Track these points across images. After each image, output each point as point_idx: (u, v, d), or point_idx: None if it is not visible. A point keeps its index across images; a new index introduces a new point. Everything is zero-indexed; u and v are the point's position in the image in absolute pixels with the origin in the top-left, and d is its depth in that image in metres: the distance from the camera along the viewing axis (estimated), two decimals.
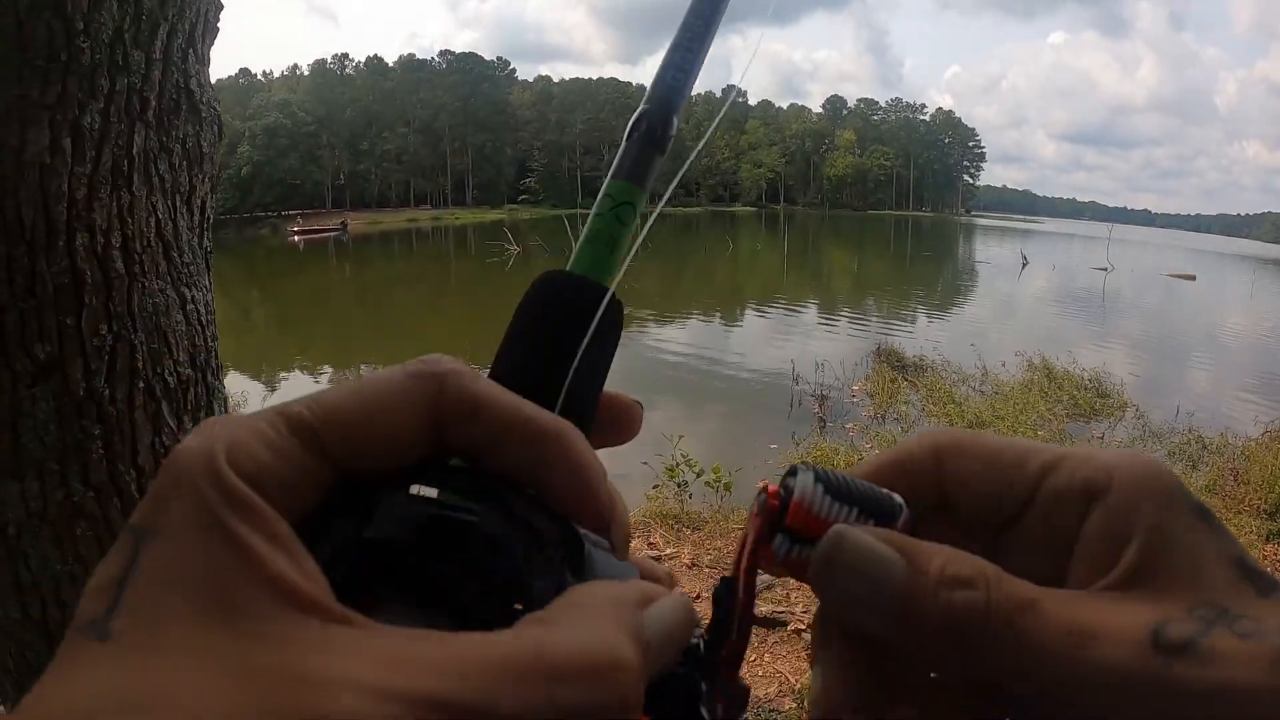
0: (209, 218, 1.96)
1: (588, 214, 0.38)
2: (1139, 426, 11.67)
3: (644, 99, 0.45)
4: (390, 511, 0.29)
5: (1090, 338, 21.11)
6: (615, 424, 0.45)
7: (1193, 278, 47.01)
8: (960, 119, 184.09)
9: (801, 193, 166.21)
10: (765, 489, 0.38)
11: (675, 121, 0.45)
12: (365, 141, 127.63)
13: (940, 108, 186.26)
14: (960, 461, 0.40)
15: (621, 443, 0.46)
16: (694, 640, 0.37)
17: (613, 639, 0.28)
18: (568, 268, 0.41)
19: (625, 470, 9.28)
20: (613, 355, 0.42)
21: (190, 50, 1.83)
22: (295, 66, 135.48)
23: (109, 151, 1.69)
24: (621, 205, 0.42)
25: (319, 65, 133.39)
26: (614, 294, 0.41)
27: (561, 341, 0.39)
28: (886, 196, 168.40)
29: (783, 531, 0.37)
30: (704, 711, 0.36)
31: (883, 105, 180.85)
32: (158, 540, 0.26)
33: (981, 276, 43.94)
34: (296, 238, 75.89)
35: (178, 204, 1.83)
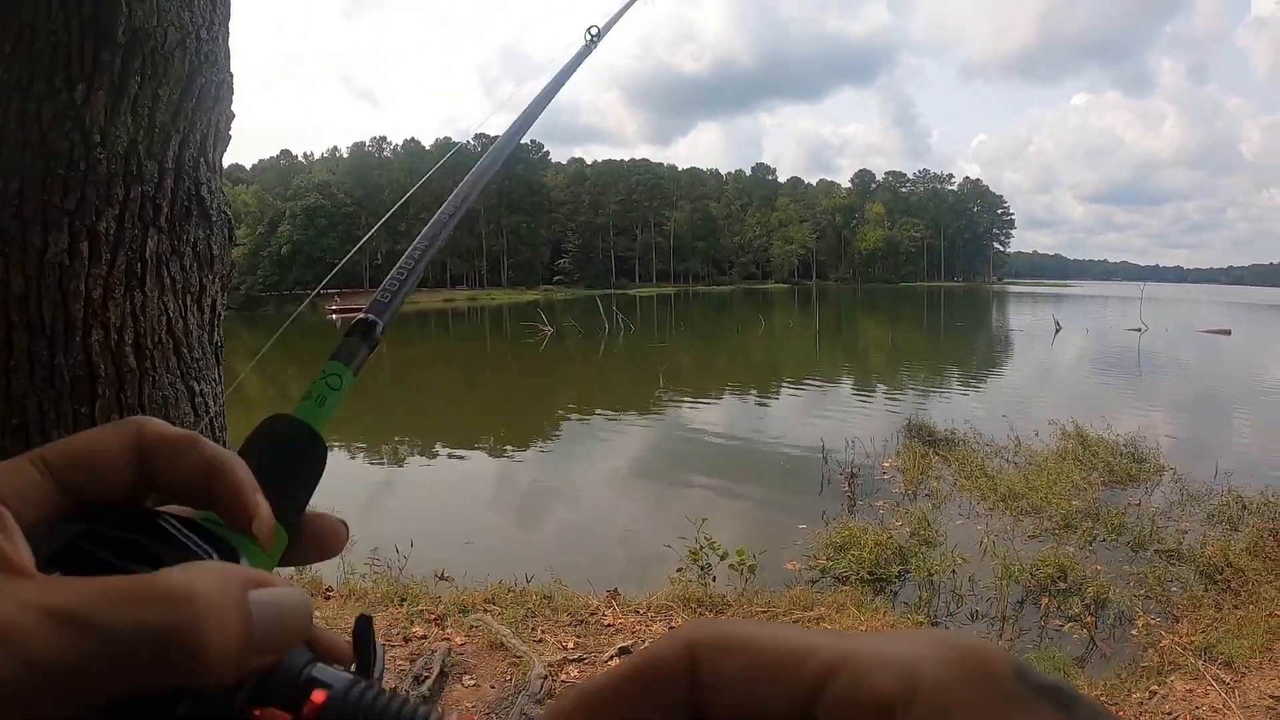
0: (219, 315, 2.07)
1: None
2: (1176, 490, 11.51)
3: (366, 309, 0.62)
4: (58, 530, 0.38)
5: (1126, 401, 20.94)
6: (320, 539, 0.50)
7: (1228, 332, 46.56)
8: (987, 187, 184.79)
9: (833, 267, 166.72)
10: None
11: (380, 326, 0.61)
12: (403, 223, 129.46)
13: (968, 176, 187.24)
14: (720, 667, 0.31)
15: (329, 556, 0.51)
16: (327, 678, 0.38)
17: (197, 581, 0.33)
18: (291, 412, 0.53)
19: (647, 551, 9.30)
20: (313, 480, 0.51)
21: (202, 159, 1.96)
22: (335, 149, 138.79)
23: (123, 254, 1.81)
24: (331, 376, 0.56)
25: (357, 147, 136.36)
26: (317, 432, 0.52)
27: (271, 459, 0.49)
28: (918, 268, 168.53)
29: None
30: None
31: (910, 177, 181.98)
32: None
33: (1015, 345, 43.72)
34: (334, 315, 76.84)
35: (188, 303, 1.94)
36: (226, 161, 2.12)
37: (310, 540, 0.50)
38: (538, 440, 17.87)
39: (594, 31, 1.41)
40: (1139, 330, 44.32)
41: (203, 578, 0.33)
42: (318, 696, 0.36)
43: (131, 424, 0.42)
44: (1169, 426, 16.83)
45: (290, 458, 0.51)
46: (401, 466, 15.71)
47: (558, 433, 18.86)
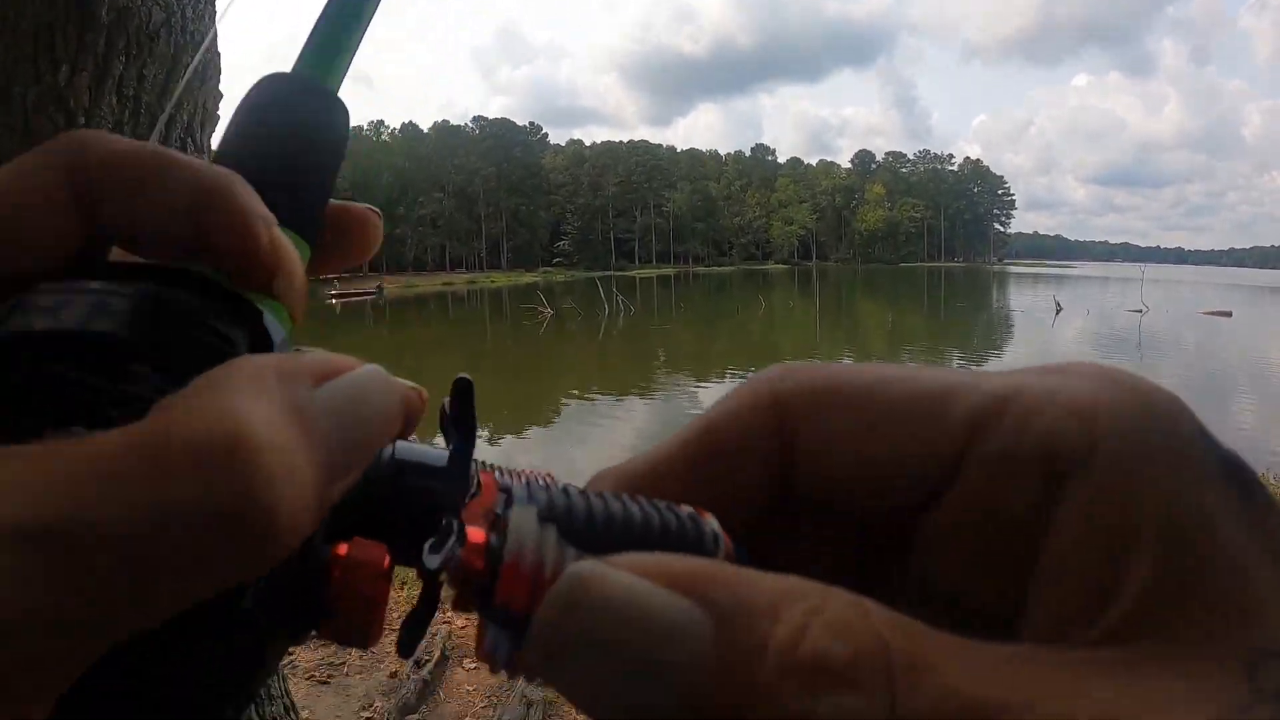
0: None
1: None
2: None
3: None
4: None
5: None
6: (349, 235, 0.38)
7: (1229, 314, 46.54)
8: (988, 167, 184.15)
9: (834, 248, 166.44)
10: (457, 531, 0.25)
11: None
12: (401, 206, 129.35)
13: (968, 157, 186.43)
14: (818, 421, 0.25)
15: (359, 259, 0.39)
16: (428, 459, 0.30)
17: (236, 410, 0.21)
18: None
19: None
20: (335, 161, 0.37)
21: (189, 139, 1.93)
22: None
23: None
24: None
25: (355, 131, 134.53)
26: (327, 89, 0.36)
27: (270, 140, 0.34)
28: (918, 249, 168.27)
29: (497, 622, 0.23)
30: (450, 522, 0.26)
31: (910, 157, 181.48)
32: None
33: (1016, 325, 43.72)
34: (334, 300, 76.88)
35: None
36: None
37: (336, 238, 0.37)
38: (539, 423, 17.87)
39: None
40: (1140, 311, 44.30)
41: (245, 404, 0.21)
42: (476, 535, 0.25)
43: (60, 142, 0.26)
44: None
45: (299, 136, 0.35)
46: None
47: (559, 415, 18.86)
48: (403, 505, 0.28)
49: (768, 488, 0.26)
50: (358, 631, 0.27)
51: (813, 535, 0.26)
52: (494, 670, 0.24)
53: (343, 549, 0.27)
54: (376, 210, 0.39)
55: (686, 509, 0.25)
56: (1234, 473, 0.22)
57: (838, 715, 0.18)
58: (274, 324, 0.28)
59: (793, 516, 0.26)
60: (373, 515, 0.28)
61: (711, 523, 0.24)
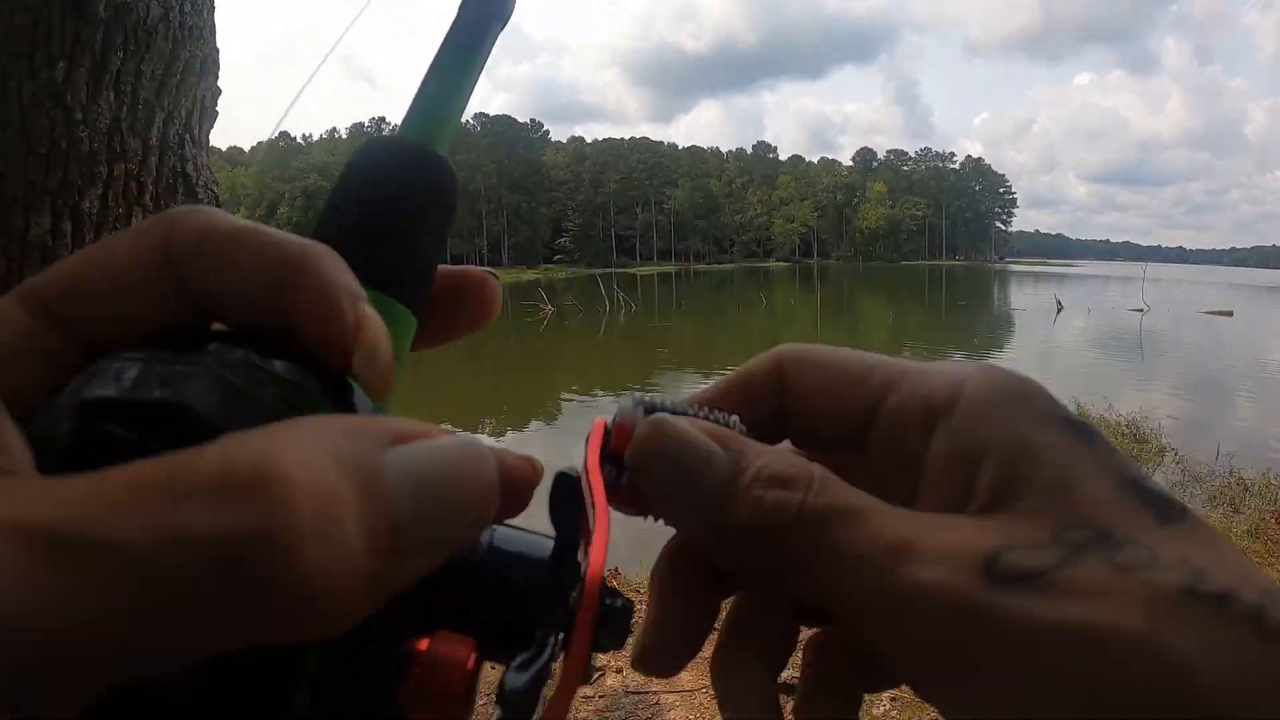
0: None
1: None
2: (1178, 471, 11.44)
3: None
4: (65, 398, 0.24)
5: (1128, 381, 20.87)
6: (465, 301, 0.38)
7: (1230, 313, 46.42)
8: (989, 166, 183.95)
9: (835, 246, 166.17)
10: (549, 649, 0.27)
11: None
12: None
13: (969, 155, 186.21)
14: (800, 377, 0.37)
15: (477, 326, 0.39)
16: (530, 551, 0.30)
17: (280, 451, 0.20)
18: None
19: (651, 531, 9.28)
20: (443, 229, 0.35)
21: (187, 135, 1.92)
22: (334, 130, 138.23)
23: (107, 234, 1.77)
24: (456, 60, 0.38)
25: (357, 128, 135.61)
26: (433, 152, 0.36)
27: (374, 207, 0.34)
28: (920, 247, 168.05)
29: (611, 461, 0.32)
30: (545, 634, 0.26)
31: (912, 155, 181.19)
32: None
33: (1017, 324, 43.56)
34: None
35: None
36: (225, 143, 2.09)
37: (452, 307, 0.37)
38: (540, 420, 17.82)
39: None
40: (1141, 310, 44.12)
41: (289, 445, 0.20)
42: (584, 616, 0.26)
43: (161, 218, 0.27)
44: (1171, 407, 16.75)
45: (405, 201, 0.34)
46: None
47: (560, 412, 18.81)
48: (496, 601, 0.27)
49: (772, 415, 0.37)
50: None
51: (804, 450, 0.37)
52: (609, 493, 0.32)
53: (424, 644, 0.26)
54: (494, 272, 0.39)
55: (722, 413, 0.34)
56: (1077, 426, 0.31)
57: (774, 501, 0.30)
58: (364, 399, 0.27)
59: (791, 436, 0.38)
60: (462, 608, 0.27)
61: (735, 418, 0.34)
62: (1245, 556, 0.27)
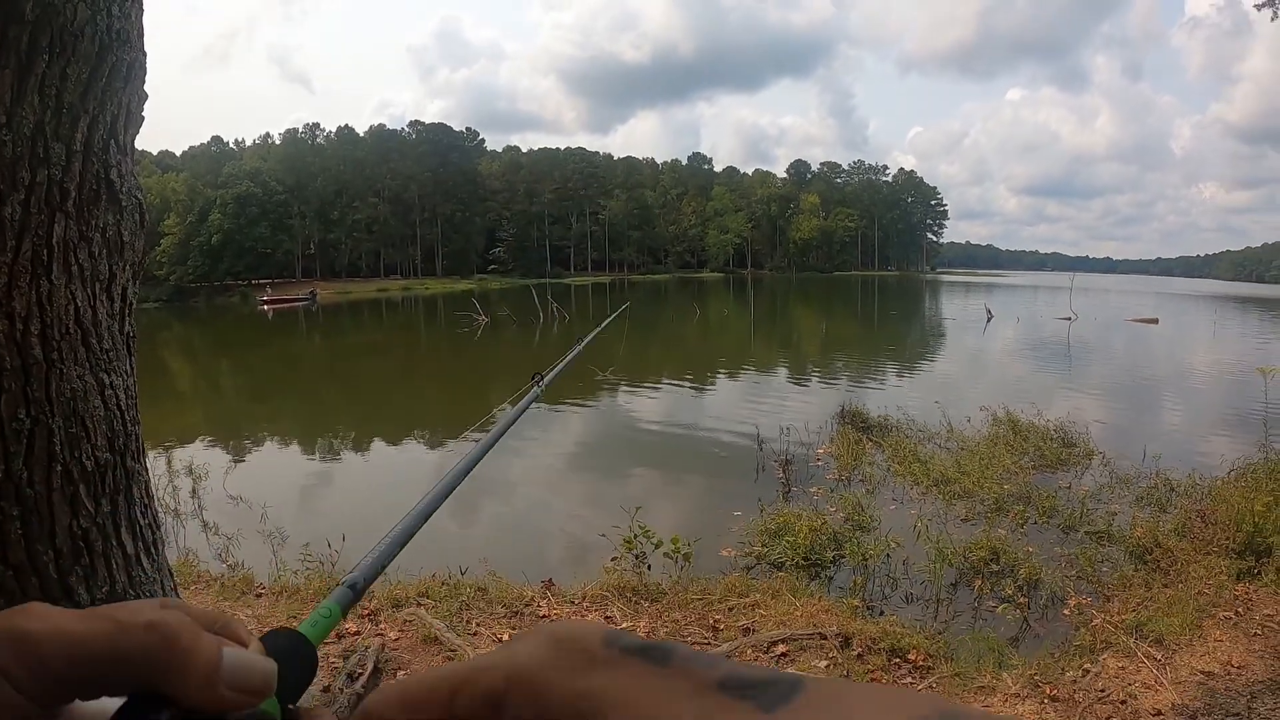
0: (131, 304, 1.99)
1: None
2: (1106, 473, 11.73)
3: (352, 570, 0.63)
4: None
5: (1056, 388, 21.37)
6: None
7: (1156, 321, 47.61)
8: (921, 178, 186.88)
9: (769, 257, 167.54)
10: None
11: (361, 584, 0.63)
12: (336, 211, 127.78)
13: (902, 168, 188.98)
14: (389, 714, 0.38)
15: None
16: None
17: (170, 617, 0.35)
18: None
19: (584, 542, 9.27)
20: (303, 688, 0.48)
21: (112, 141, 1.88)
22: (267, 135, 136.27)
23: (29, 241, 1.73)
24: (329, 614, 0.54)
25: (290, 134, 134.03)
26: (308, 639, 0.49)
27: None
28: (852, 258, 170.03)
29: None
30: None
31: (846, 167, 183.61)
32: None
33: (947, 333, 44.33)
34: (266, 307, 75.90)
35: (97, 291, 1.86)
36: (156, 148, 2.05)
37: None
38: (472, 429, 17.74)
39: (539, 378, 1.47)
40: (1069, 319, 45.01)
41: (176, 616, 0.35)
42: None
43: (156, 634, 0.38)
44: (1099, 412, 17.17)
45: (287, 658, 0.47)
46: (336, 459, 15.49)
47: (491, 422, 18.74)
48: None
49: None
50: None
51: None
52: None
53: None
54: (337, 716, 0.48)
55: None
56: (644, 650, 0.31)
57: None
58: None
59: None
60: None
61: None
62: (881, 700, 0.27)
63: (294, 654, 0.49)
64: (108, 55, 1.84)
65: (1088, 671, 5.37)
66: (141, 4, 1.95)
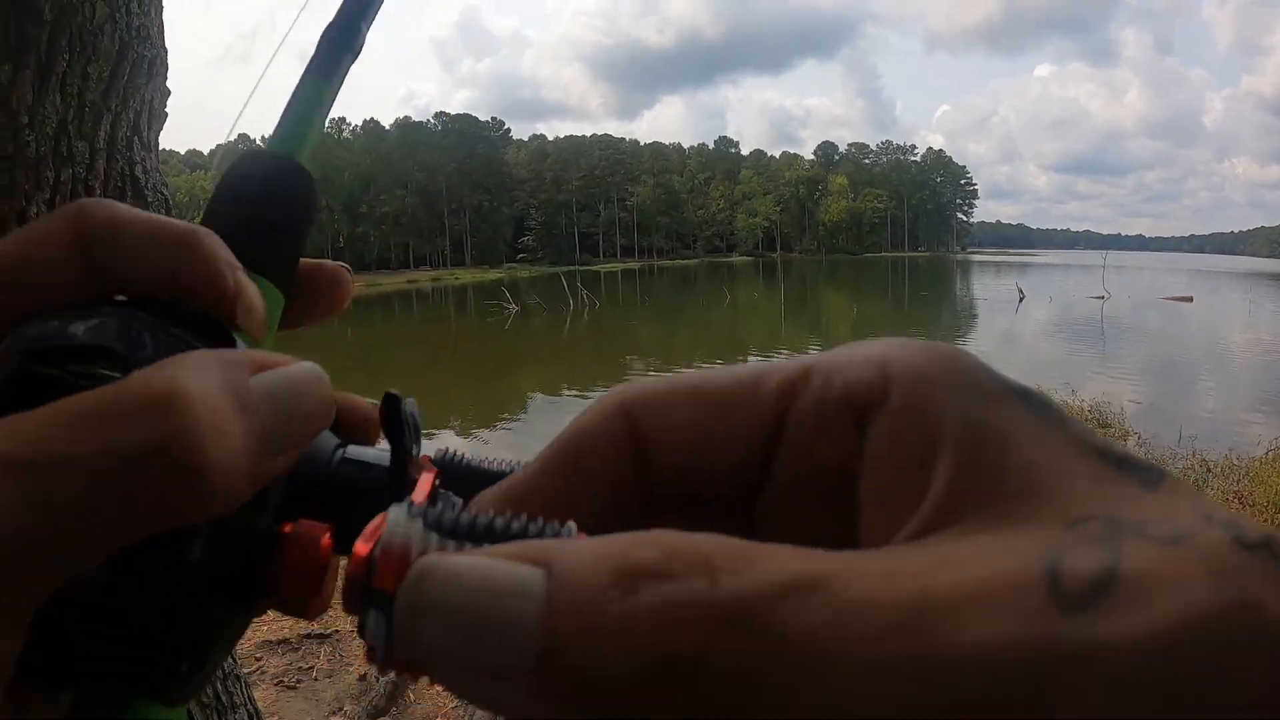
0: None
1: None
2: (1141, 454, 11.46)
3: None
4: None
5: (1090, 367, 21.13)
6: (321, 292, 0.44)
7: (1190, 299, 46.99)
8: (950, 158, 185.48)
9: (798, 239, 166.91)
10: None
11: (364, 28, 0.50)
12: (363, 204, 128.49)
13: (930, 147, 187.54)
14: (664, 420, 0.27)
15: (332, 311, 0.45)
16: (370, 458, 0.35)
17: (177, 377, 0.26)
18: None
19: None
20: (303, 225, 0.43)
21: (135, 137, 1.88)
22: None
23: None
24: (307, 96, 0.46)
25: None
26: (297, 163, 0.43)
27: (245, 206, 0.41)
28: (882, 239, 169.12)
29: (374, 605, 0.23)
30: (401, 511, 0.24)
31: (874, 148, 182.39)
32: None
33: (979, 313, 43.96)
34: None
35: None
36: (184, 146, 2.06)
37: (309, 294, 0.43)
38: (505, 419, 17.81)
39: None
40: (1102, 298, 44.53)
41: (185, 372, 0.26)
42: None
43: (69, 209, 0.33)
44: (1133, 392, 16.99)
45: (271, 201, 0.42)
46: None
47: (524, 411, 18.82)
48: (346, 496, 0.33)
49: (630, 489, 0.28)
50: (299, 602, 0.31)
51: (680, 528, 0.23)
52: (372, 660, 0.23)
53: (288, 527, 0.31)
54: (347, 267, 0.45)
55: (552, 525, 0.24)
56: (1023, 394, 0.25)
57: (660, 599, 0.19)
58: (240, 342, 0.33)
59: (658, 515, 0.27)
60: (319, 502, 0.32)
61: (569, 526, 0.24)
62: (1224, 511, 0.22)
63: (279, 200, 0.42)
64: (128, 52, 1.84)
65: None
66: (161, 0, 1.95)
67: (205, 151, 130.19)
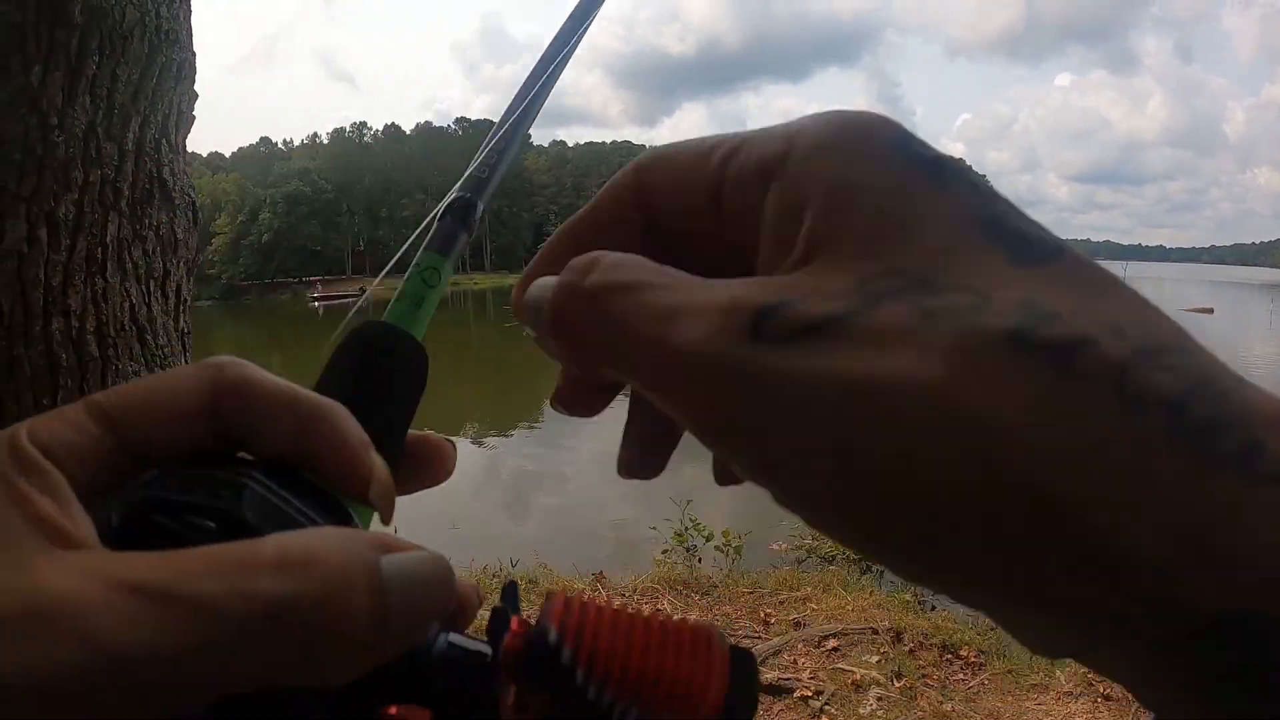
0: (185, 300, 2.02)
1: None
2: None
3: (458, 187, 0.51)
4: (120, 496, 0.30)
5: None
6: (426, 463, 0.44)
7: (1210, 310, 46.70)
8: (970, 166, 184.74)
9: None
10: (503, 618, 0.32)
11: (480, 207, 0.51)
12: (384, 208, 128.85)
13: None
14: (654, 177, 0.35)
15: (436, 482, 0.45)
16: (476, 647, 0.35)
17: (314, 544, 0.27)
18: (384, 318, 0.45)
19: (635, 536, 9.26)
20: (417, 398, 0.44)
21: (163, 140, 1.91)
22: (315, 135, 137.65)
23: (83, 240, 1.76)
24: (427, 270, 0.47)
25: (338, 134, 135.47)
26: (419, 341, 0.44)
27: (368, 376, 0.42)
28: None
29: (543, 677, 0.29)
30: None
31: None
32: None
33: None
34: (316, 304, 76.86)
35: (152, 289, 1.89)
36: (206, 149, 2.08)
37: (414, 466, 0.43)
38: (523, 424, 17.82)
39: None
40: None
41: (323, 542, 0.28)
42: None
43: (209, 366, 0.34)
44: None
45: (389, 374, 0.43)
46: None
47: (543, 417, 18.80)
48: (449, 683, 0.33)
49: (640, 224, 0.35)
50: None
51: (675, 260, 0.30)
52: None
53: (392, 709, 0.31)
54: (452, 442, 0.45)
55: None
56: (926, 160, 0.27)
57: (558, 285, 0.30)
58: (359, 520, 0.35)
59: (663, 244, 0.33)
60: (423, 687, 0.32)
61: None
62: (1159, 312, 0.25)
63: (396, 374, 0.43)
64: (157, 56, 1.86)
65: None
66: (189, 4, 1.97)
67: (228, 154, 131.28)
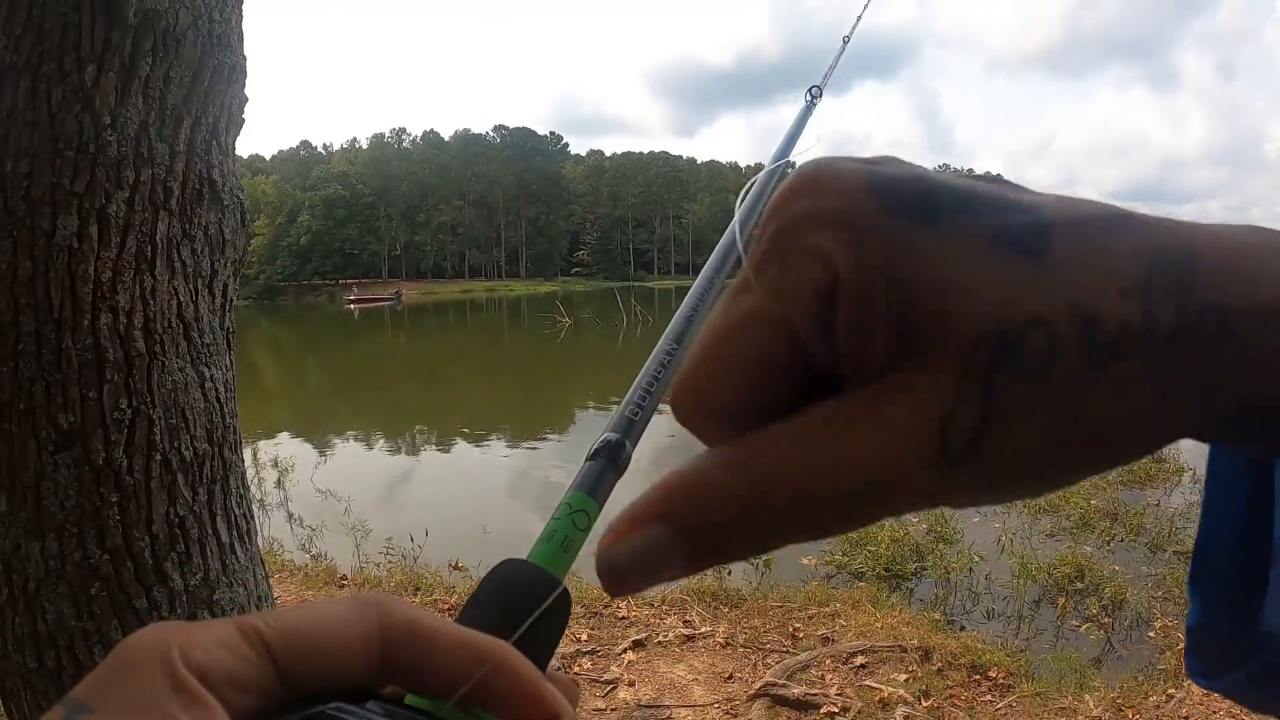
0: (231, 300, 2.05)
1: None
2: (1196, 491, 11.35)
3: (607, 427, 0.50)
4: None
5: None
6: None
7: None
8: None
9: None
10: None
11: (629, 447, 0.50)
12: (421, 213, 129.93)
13: (989, 171, 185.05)
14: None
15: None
16: None
17: None
18: (526, 557, 0.45)
19: None
20: (558, 639, 0.44)
21: (214, 142, 1.94)
22: (354, 140, 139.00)
23: (133, 238, 1.80)
24: (578, 513, 0.46)
25: (377, 139, 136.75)
26: (563, 586, 0.44)
27: (513, 615, 0.42)
28: None
29: None
30: None
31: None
32: (94, 717, 0.27)
33: None
34: (352, 306, 77.49)
35: (199, 287, 1.93)
36: (247, 151, 2.12)
37: None
38: (555, 430, 17.84)
39: (814, 92, 1.36)
40: None
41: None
42: None
43: (371, 605, 0.34)
44: None
45: (544, 619, 0.43)
46: (418, 456, 15.71)
47: (574, 423, 18.84)
48: None
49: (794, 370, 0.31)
50: None
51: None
52: None
53: None
54: (578, 683, 0.46)
55: None
56: (916, 203, 0.28)
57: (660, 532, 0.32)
58: None
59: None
60: None
61: None
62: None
63: (540, 615, 0.43)
64: (209, 59, 1.90)
65: (1171, 697, 5.22)
66: (241, 8, 2.00)
67: (268, 156, 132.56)
